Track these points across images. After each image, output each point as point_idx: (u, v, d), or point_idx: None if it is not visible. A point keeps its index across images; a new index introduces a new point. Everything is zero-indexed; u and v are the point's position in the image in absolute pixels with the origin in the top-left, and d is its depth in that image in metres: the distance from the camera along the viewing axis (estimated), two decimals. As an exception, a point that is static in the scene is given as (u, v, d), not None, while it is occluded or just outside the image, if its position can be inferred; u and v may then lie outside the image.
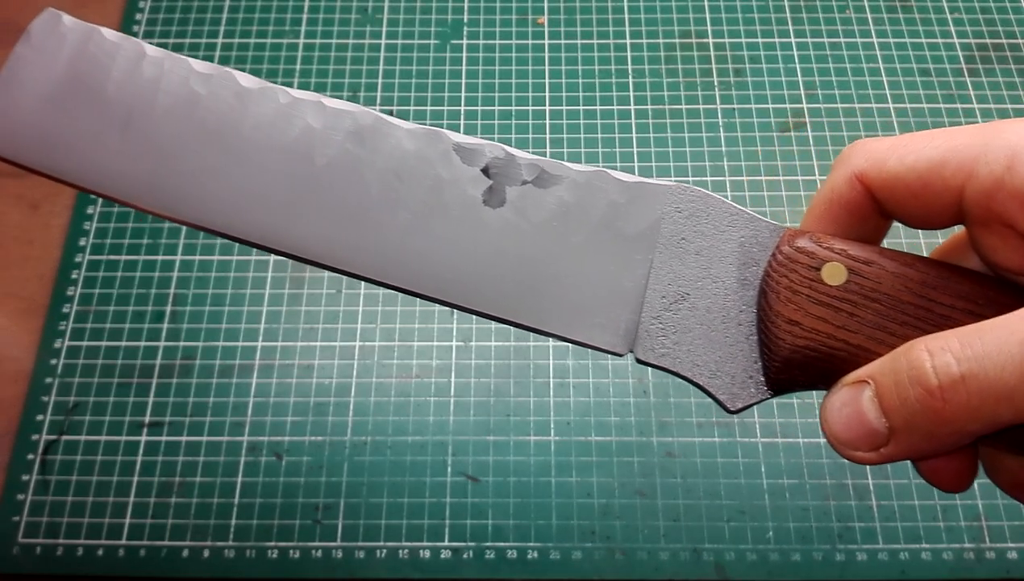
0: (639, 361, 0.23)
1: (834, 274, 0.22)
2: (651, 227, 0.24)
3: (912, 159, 0.21)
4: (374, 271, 0.24)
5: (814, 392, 0.26)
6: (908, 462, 0.23)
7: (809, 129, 0.52)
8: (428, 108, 0.52)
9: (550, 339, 0.45)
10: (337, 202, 0.24)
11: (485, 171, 0.25)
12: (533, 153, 0.25)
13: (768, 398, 0.23)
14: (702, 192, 0.24)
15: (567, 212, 0.24)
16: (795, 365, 0.22)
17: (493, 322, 0.24)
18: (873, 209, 0.23)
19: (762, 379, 0.23)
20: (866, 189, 0.22)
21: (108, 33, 0.26)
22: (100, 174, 0.25)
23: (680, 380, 0.23)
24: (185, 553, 0.41)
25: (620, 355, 0.23)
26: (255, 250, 0.48)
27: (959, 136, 0.21)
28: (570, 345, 0.45)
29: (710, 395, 0.23)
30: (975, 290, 0.21)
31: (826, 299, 0.21)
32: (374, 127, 0.25)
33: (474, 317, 0.46)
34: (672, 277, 0.23)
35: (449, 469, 0.43)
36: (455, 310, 0.24)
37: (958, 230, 0.24)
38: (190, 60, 0.26)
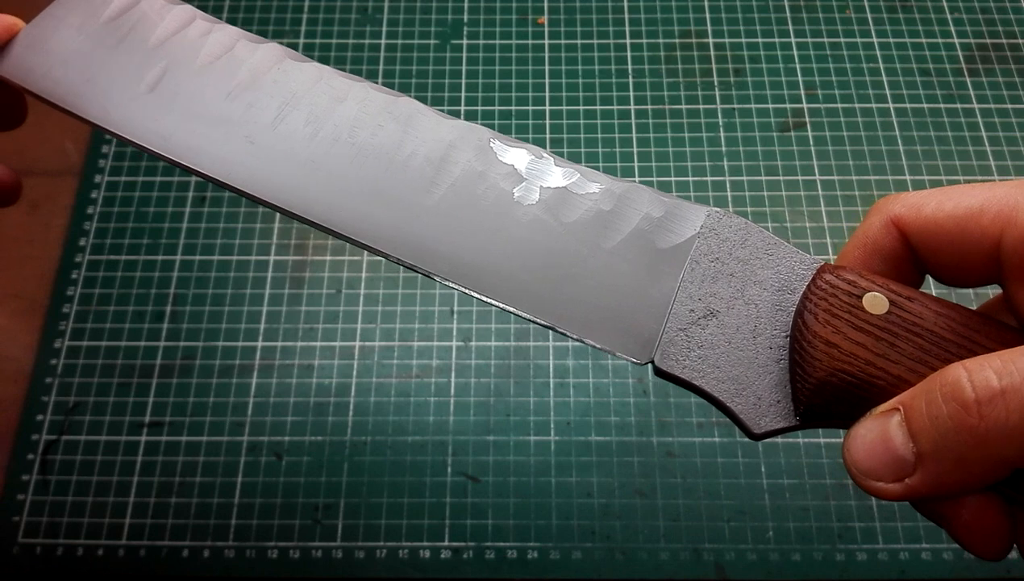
0: (659, 372, 0.23)
1: (876, 304, 0.21)
2: (685, 243, 0.24)
3: (951, 206, 0.21)
4: (394, 247, 0.24)
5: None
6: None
7: (809, 129, 0.52)
8: (428, 108, 0.52)
9: (550, 339, 0.45)
10: (367, 176, 0.25)
11: (521, 169, 0.25)
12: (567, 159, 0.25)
13: (795, 426, 0.22)
14: (743, 221, 0.24)
15: (600, 218, 0.24)
16: (829, 390, 0.21)
17: (513, 318, 0.24)
18: (907, 257, 0.22)
19: (791, 405, 0.22)
20: (902, 235, 0.22)
21: None
22: (124, 118, 0.26)
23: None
24: (185, 553, 0.41)
25: (640, 364, 0.23)
26: (255, 249, 0.49)
27: (999, 187, 0.21)
28: (573, 343, 0.45)
29: (732, 416, 0.22)
30: (1018, 339, 0.20)
31: (867, 326, 0.21)
32: (411, 113, 0.25)
33: (474, 317, 0.46)
34: (703, 294, 0.23)
35: (449, 469, 0.43)
36: (476, 300, 0.24)
37: (993, 298, 0.23)
38: (241, 31, 0.27)
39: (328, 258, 0.48)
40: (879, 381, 0.20)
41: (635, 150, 0.51)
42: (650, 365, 0.23)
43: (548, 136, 0.51)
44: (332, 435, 0.43)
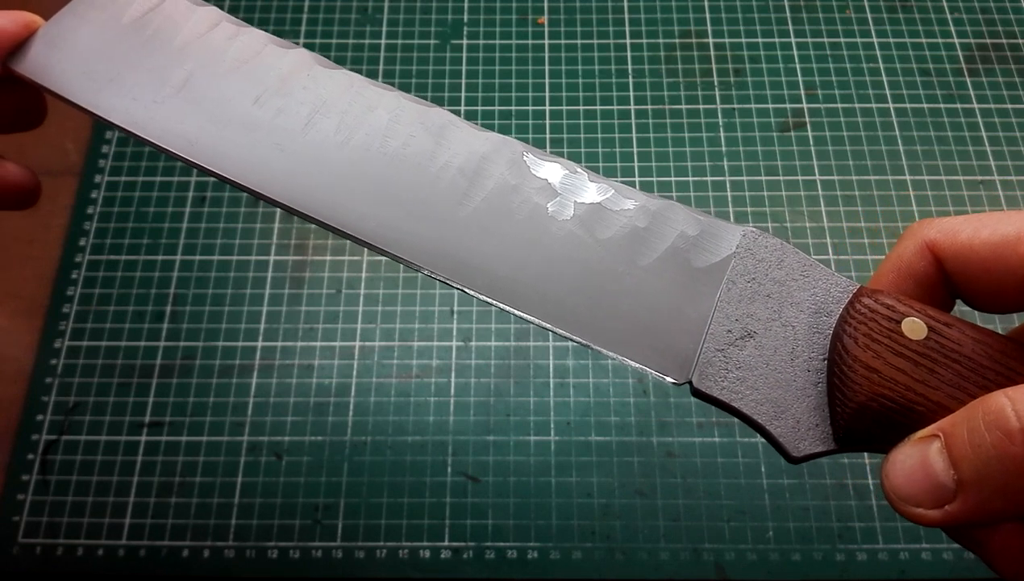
0: (696, 392, 0.23)
1: (915, 329, 0.21)
2: (721, 263, 0.23)
3: (987, 233, 0.21)
4: (426, 260, 0.24)
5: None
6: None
7: (809, 129, 0.52)
8: (428, 108, 0.52)
9: (550, 339, 0.45)
10: (399, 186, 0.24)
11: (555, 184, 0.25)
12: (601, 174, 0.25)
13: (833, 451, 0.22)
14: (778, 241, 0.24)
15: (636, 235, 0.24)
16: (869, 414, 0.21)
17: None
18: (941, 282, 0.22)
19: (829, 429, 0.22)
20: (936, 260, 0.22)
21: None
22: (149, 121, 0.25)
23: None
24: (185, 553, 0.41)
25: (677, 384, 0.23)
26: (255, 249, 0.49)
27: None
28: (573, 344, 0.45)
29: (770, 439, 0.22)
30: None
31: (906, 352, 0.21)
32: (444, 124, 0.25)
33: (474, 317, 0.46)
34: (739, 314, 0.23)
35: (449, 469, 0.43)
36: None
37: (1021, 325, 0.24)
38: (269, 35, 0.27)
39: (328, 258, 0.48)
40: (919, 407, 0.21)
41: (635, 150, 0.51)
42: (687, 385, 0.23)
43: (548, 136, 0.51)
44: (332, 435, 0.43)
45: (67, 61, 0.26)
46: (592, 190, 0.24)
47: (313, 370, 0.45)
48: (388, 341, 0.46)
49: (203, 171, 0.25)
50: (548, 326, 0.23)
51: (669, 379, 0.23)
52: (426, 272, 0.24)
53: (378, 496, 0.42)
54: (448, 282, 0.24)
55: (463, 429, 0.43)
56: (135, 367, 0.45)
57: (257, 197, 0.25)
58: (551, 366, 0.45)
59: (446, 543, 0.41)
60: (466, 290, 0.24)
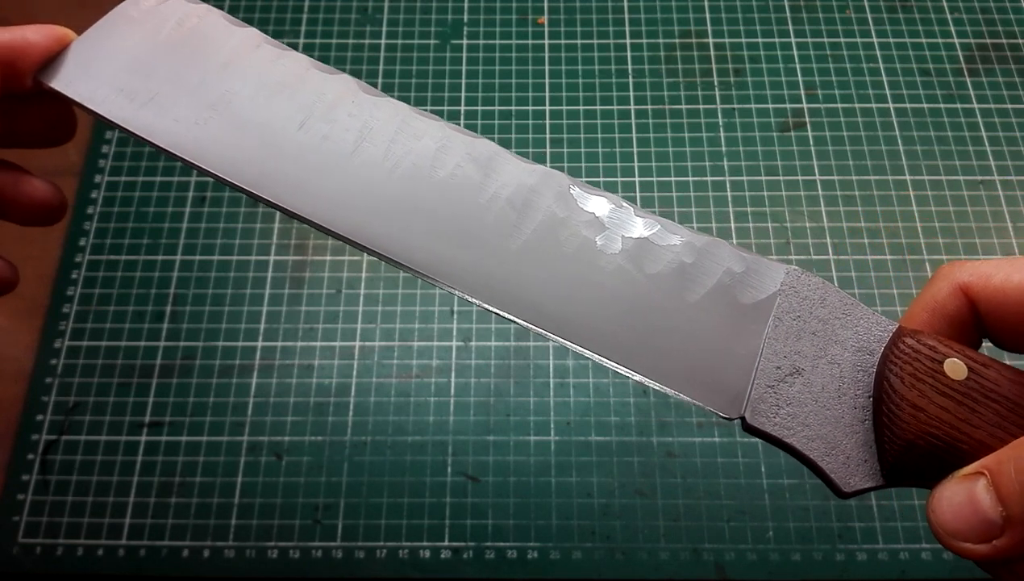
0: (748, 428, 0.23)
1: (956, 370, 0.22)
2: (767, 300, 0.24)
3: (1018, 277, 0.22)
4: (477, 291, 0.24)
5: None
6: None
7: (809, 129, 0.52)
8: (428, 108, 0.52)
9: (549, 342, 0.45)
10: (448, 216, 0.24)
11: (602, 218, 0.25)
12: (635, 203, 0.25)
13: (881, 486, 0.22)
14: (820, 280, 0.24)
15: (683, 271, 0.24)
16: (916, 452, 0.22)
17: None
18: (972, 324, 0.23)
19: (877, 464, 0.23)
20: (969, 301, 0.23)
21: (226, 17, 0.27)
22: (193, 143, 0.25)
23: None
24: (185, 553, 0.41)
25: (728, 419, 0.23)
26: (255, 249, 0.49)
27: None
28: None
29: (821, 475, 0.23)
30: None
31: (949, 392, 0.22)
32: (491, 155, 0.25)
33: (474, 317, 0.46)
34: (788, 351, 0.23)
35: (449, 469, 0.43)
36: (565, 349, 0.24)
37: None
38: (311, 60, 0.26)
39: (328, 258, 0.48)
40: (963, 445, 0.21)
41: (635, 150, 0.51)
42: (739, 421, 0.23)
43: (548, 136, 0.51)
44: (332, 435, 0.43)
45: (101, 77, 0.26)
46: (639, 225, 0.25)
47: (313, 370, 0.45)
48: (388, 341, 0.46)
49: (248, 194, 0.25)
50: (602, 359, 0.24)
51: (720, 414, 0.23)
52: (478, 304, 0.24)
53: (378, 496, 0.42)
54: (499, 314, 0.24)
55: (463, 429, 0.43)
56: (135, 367, 0.45)
57: (304, 222, 0.24)
58: (551, 366, 0.45)
59: (446, 543, 0.41)
60: (517, 321, 0.24)
